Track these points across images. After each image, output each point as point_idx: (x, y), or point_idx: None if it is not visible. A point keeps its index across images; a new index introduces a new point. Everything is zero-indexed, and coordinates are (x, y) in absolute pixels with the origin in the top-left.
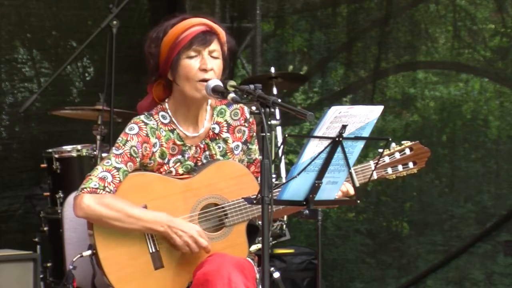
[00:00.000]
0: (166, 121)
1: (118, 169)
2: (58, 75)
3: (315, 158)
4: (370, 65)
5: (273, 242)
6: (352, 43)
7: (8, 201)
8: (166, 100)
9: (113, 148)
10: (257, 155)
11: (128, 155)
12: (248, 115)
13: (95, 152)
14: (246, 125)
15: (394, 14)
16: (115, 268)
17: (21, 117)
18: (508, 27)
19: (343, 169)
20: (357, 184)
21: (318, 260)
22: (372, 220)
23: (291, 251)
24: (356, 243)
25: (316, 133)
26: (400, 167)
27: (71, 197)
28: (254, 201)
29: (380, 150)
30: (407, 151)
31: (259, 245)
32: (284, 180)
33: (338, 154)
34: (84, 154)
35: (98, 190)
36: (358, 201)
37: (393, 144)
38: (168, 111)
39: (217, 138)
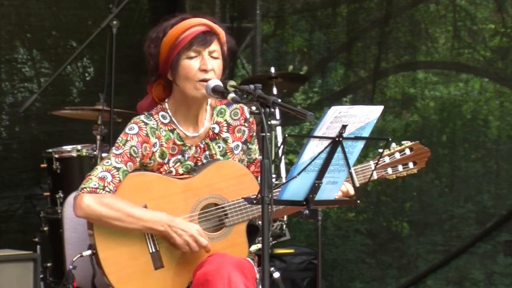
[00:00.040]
0: (166, 121)
1: (118, 169)
2: (58, 75)
3: (315, 158)
4: (370, 65)
5: (273, 242)
6: (352, 43)
7: (8, 201)
8: (166, 100)
9: (113, 148)
10: (257, 155)
11: (128, 155)
12: (248, 115)
13: (95, 152)
14: (246, 125)
15: (394, 14)
16: (115, 268)
17: (21, 117)
18: (508, 27)
19: (343, 169)
20: (357, 184)
21: (318, 260)
22: (372, 220)
23: (291, 251)
24: (356, 243)
25: (316, 133)
26: (400, 167)
27: (71, 197)
28: (254, 201)
29: (380, 150)
30: (407, 151)
31: (259, 245)
32: (284, 180)
33: (338, 154)
34: (84, 154)
35: (98, 190)
36: (358, 201)
37: (393, 144)
38: (168, 111)
39: (217, 138)
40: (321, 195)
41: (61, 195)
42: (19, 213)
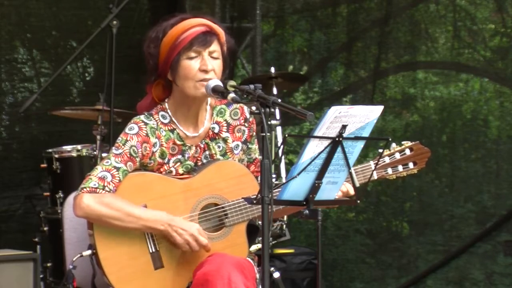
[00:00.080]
0: (166, 121)
1: (117, 168)
2: (58, 75)
3: (315, 158)
4: (370, 65)
5: (273, 242)
6: (352, 43)
7: (8, 201)
8: (166, 100)
9: (113, 148)
10: (257, 155)
11: (128, 155)
12: (247, 115)
13: (95, 152)
14: (246, 124)
15: (394, 14)
16: (115, 268)
17: (21, 117)
18: (508, 27)
19: (343, 169)
20: (357, 184)
21: (318, 260)
22: (372, 220)
23: (291, 251)
24: (356, 243)
25: (316, 133)
26: (400, 168)
27: (71, 197)
28: (254, 201)
29: (380, 150)
30: (407, 152)
31: (259, 245)
32: (284, 180)
33: (338, 154)
34: (84, 154)
35: (98, 190)
36: (358, 201)
37: (393, 145)
38: (168, 111)
39: (217, 137)
40: (321, 195)
41: (61, 195)
42: (19, 213)
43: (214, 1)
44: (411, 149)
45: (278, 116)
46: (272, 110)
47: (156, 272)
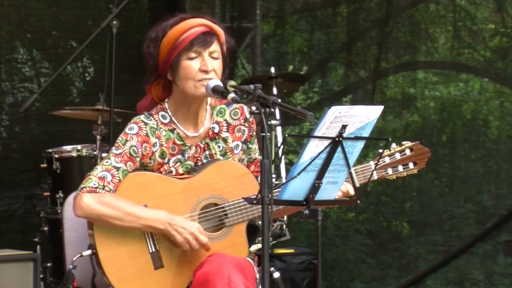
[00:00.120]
0: (166, 121)
1: (117, 168)
2: (58, 75)
3: (315, 158)
4: (370, 65)
5: (273, 242)
6: (352, 43)
7: (8, 201)
8: (166, 100)
9: (113, 148)
10: (257, 155)
11: (128, 155)
12: (247, 115)
13: (95, 152)
14: (246, 124)
15: (394, 14)
16: (115, 268)
17: (21, 117)
18: (508, 27)
19: (343, 169)
20: (357, 184)
21: (318, 260)
22: (372, 220)
23: (291, 251)
24: (356, 243)
25: (316, 133)
26: (400, 168)
27: (71, 197)
28: (254, 201)
29: (380, 151)
30: (408, 152)
31: (259, 245)
32: (284, 180)
33: (338, 154)
34: (84, 154)
35: (98, 189)
36: (358, 201)
37: (394, 145)
38: (168, 111)
39: (217, 137)
40: (321, 195)
41: (61, 195)
42: (19, 213)
43: (214, 1)
44: (411, 149)
45: (278, 116)
46: (272, 110)
47: (156, 272)
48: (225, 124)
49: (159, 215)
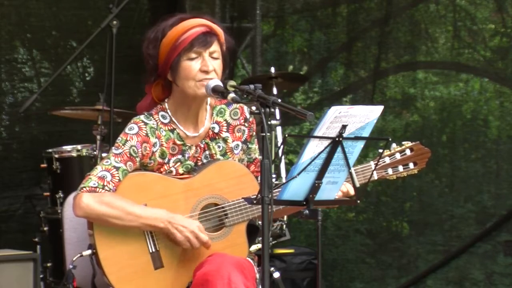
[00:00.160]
0: (166, 121)
1: (117, 168)
2: (58, 75)
3: (315, 158)
4: (370, 65)
5: (273, 242)
6: (352, 43)
7: (8, 201)
8: (166, 100)
9: (113, 148)
10: (256, 155)
11: (128, 155)
12: (247, 115)
13: (95, 152)
14: (246, 124)
15: (394, 14)
16: (115, 268)
17: (21, 117)
18: (508, 27)
19: (343, 169)
20: (357, 185)
21: (318, 260)
22: (372, 220)
23: (291, 251)
24: (356, 243)
25: (316, 133)
26: (400, 168)
27: (71, 197)
28: (254, 201)
29: (380, 151)
30: (408, 152)
31: (259, 245)
32: (284, 180)
33: (338, 154)
34: (84, 154)
35: (97, 189)
36: (358, 201)
37: (394, 145)
38: (168, 111)
39: (217, 137)
40: (321, 195)
41: (61, 195)
42: (19, 213)
43: (214, 1)
44: (411, 149)
45: (278, 116)
46: (272, 110)
47: (156, 272)
48: (225, 124)
49: (159, 214)
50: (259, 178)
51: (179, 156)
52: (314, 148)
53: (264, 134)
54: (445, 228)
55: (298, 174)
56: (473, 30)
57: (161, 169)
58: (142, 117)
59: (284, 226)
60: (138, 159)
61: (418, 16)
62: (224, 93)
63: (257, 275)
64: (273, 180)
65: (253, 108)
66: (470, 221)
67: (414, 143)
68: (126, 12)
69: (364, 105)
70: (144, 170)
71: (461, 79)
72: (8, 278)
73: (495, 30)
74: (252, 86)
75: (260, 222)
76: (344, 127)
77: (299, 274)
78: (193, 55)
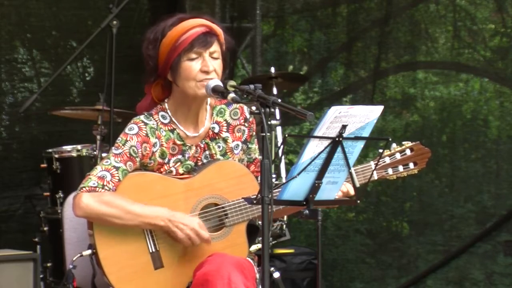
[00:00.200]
0: (166, 121)
1: (117, 168)
2: (58, 75)
3: (315, 158)
4: (370, 65)
5: (273, 242)
6: (352, 43)
7: (8, 201)
8: (166, 100)
9: (113, 148)
10: (256, 155)
11: (128, 155)
12: (247, 115)
13: (95, 152)
14: (246, 124)
15: (394, 14)
16: (115, 268)
17: (21, 117)
18: (508, 27)
19: (343, 169)
20: (357, 185)
21: (318, 260)
22: (372, 220)
23: (291, 251)
24: (356, 243)
25: (316, 133)
26: (400, 168)
27: (71, 197)
28: (254, 201)
29: (380, 151)
30: (408, 152)
31: (259, 245)
32: (284, 180)
33: (338, 154)
34: (84, 154)
35: (97, 189)
36: (358, 201)
37: (394, 145)
38: (168, 111)
39: (217, 137)
40: (321, 195)
41: (61, 195)
42: (19, 213)
43: (214, 1)
44: (411, 149)
45: (278, 116)
46: (272, 110)
47: (156, 272)
48: (225, 124)
49: (159, 212)
50: (259, 178)
51: (179, 156)
52: (314, 148)
53: (264, 134)
54: (445, 228)
55: (298, 174)
56: (473, 30)
57: (161, 169)
58: (142, 117)
59: (284, 226)
60: (138, 159)
61: (418, 16)
62: (224, 93)
63: (257, 275)
64: (273, 180)
65: (253, 108)
66: (470, 221)
67: (414, 143)
68: (126, 12)
69: (364, 105)
70: (144, 170)
71: (461, 79)
72: (8, 278)
73: (495, 30)
74: (252, 86)
75: (260, 222)
76: (344, 127)
77: (299, 274)
78: (194, 56)
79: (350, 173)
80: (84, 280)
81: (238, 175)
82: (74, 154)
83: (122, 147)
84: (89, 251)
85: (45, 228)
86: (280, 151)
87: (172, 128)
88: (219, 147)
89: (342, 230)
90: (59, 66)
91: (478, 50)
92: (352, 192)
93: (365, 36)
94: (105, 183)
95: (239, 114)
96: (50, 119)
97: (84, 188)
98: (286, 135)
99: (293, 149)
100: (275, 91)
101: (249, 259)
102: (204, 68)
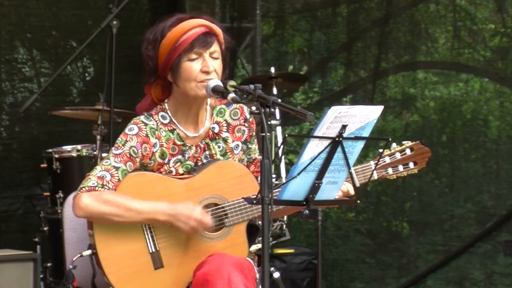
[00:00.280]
0: (166, 121)
1: (117, 168)
2: (58, 75)
3: (315, 158)
4: (370, 65)
5: (273, 242)
6: (352, 43)
7: (8, 201)
8: (166, 101)
9: (113, 148)
10: (256, 155)
11: (128, 155)
12: (247, 115)
13: (95, 152)
14: (246, 124)
15: (394, 14)
16: (115, 268)
17: (21, 117)
18: (508, 27)
19: (343, 169)
20: (357, 184)
21: (318, 260)
22: (372, 220)
23: (291, 251)
24: (356, 243)
25: (316, 133)
26: (400, 167)
27: (71, 197)
28: (254, 201)
29: (380, 150)
30: (408, 152)
31: (259, 245)
32: (284, 180)
33: (338, 154)
34: (84, 154)
35: (97, 188)
36: (358, 201)
37: (394, 144)
38: (168, 111)
39: (217, 137)
40: (321, 195)
41: (61, 195)
42: (19, 213)
43: (214, 1)
44: (411, 149)
45: (278, 116)
46: (272, 110)
47: (156, 272)
48: (225, 124)
49: (160, 207)
50: (259, 178)
51: (179, 157)
52: (314, 148)
53: (264, 134)
54: (445, 228)
55: (298, 174)
56: (473, 30)
57: (161, 169)
58: (142, 117)
59: (284, 226)
60: (138, 160)
61: (418, 16)
62: (224, 93)
63: (257, 275)
64: (273, 180)
65: (253, 108)
66: (470, 221)
67: (414, 142)
68: (126, 12)
69: (364, 105)
70: (144, 170)
71: (461, 79)
72: (8, 278)
73: (495, 30)
74: (252, 86)
75: (260, 222)
76: (344, 127)
77: (299, 274)
78: (194, 56)
79: (350, 173)
80: (84, 280)
81: (238, 175)
82: (74, 154)
83: (122, 147)
84: (89, 251)
85: (45, 228)
86: (280, 151)
87: (172, 128)
88: (219, 147)
89: (342, 230)
90: (59, 66)
91: (478, 50)
92: (352, 192)
93: (365, 36)
94: (104, 183)
95: (239, 114)
96: (50, 119)
97: (83, 188)
98: (286, 135)
99: (293, 149)
100: (275, 91)
101: (249, 259)
102: (205, 68)
